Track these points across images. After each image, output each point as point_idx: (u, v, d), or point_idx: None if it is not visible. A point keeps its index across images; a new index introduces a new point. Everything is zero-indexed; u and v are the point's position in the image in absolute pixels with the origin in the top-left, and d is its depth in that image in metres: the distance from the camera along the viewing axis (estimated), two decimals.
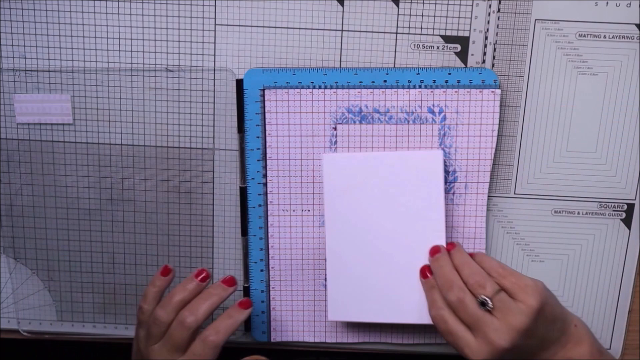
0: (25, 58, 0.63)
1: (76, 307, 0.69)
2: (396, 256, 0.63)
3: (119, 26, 0.62)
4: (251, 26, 0.62)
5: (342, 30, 0.62)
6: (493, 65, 0.63)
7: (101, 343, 0.70)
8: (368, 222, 0.63)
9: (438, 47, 0.63)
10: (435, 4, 0.62)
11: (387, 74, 0.62)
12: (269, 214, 0.65)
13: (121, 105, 0.64)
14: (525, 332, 0.55)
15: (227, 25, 0.62)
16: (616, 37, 0.62)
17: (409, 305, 0.62)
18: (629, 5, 0.61)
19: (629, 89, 0.63)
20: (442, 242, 0.62)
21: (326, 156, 0.63)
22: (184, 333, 0.57)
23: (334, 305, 0.64)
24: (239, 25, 0.62)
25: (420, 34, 0.62)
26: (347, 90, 0.62)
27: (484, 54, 0.63)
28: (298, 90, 0.62)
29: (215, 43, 0.63)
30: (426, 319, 0.61)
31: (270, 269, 0.66)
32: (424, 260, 0.62)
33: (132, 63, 0.63)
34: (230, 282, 0.60)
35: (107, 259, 0.67)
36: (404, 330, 0.67)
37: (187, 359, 0.57)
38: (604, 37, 0.62)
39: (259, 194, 0.65)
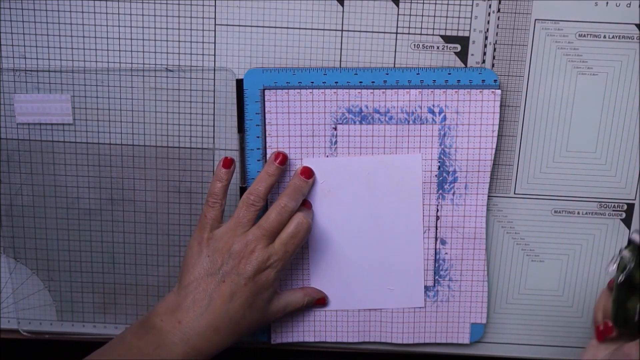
0: (25, 58, 0.63)
1: (76, 307, 0.69)
2: (374, 252, 0.65)
3: (119, 26, 0.62)
4: (251, 26, 0.62)
5: (342, 30, 0.62)
6: (493, 65, 0.63)
7: (101, 343, 0.70)
8: (349, 220, 0.64)
9: (438, 47, 0.63)
10: (435, 4, 0.62)
11: (387, 74, 0.62)
12: None
13: (121, 105, 0.64)
14: None
15: (227, 25, 0.62)
16: (616, 37, 0.62)
17: (387, 294, 0.66)
18: (629, 5, 0.61)
19: (629, 89, 0.63)
20: (420, 240, 0.65)
21: (306, 161, 0.63)
22: (285, 217, 0.60)
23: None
24: (239, 25, 0.62)
25: (420, 34, 0.62)
26: (347, 90, 0.62)
27: (484, 54, 0.63)
28: (298, 90, 0.62)
29: (215, 43, 0.63)
30: (403, 304, 0.66)
31: None
32: (400, 255, 0.65)
33: (132, 63, 0.63)
34: (308, 172, 0.63)
35: (107, 259, 0.67)
36: (404, 330, 0.67)
37: (281, 241, 0.60)
38: (604, 37, 0.62)
39: None
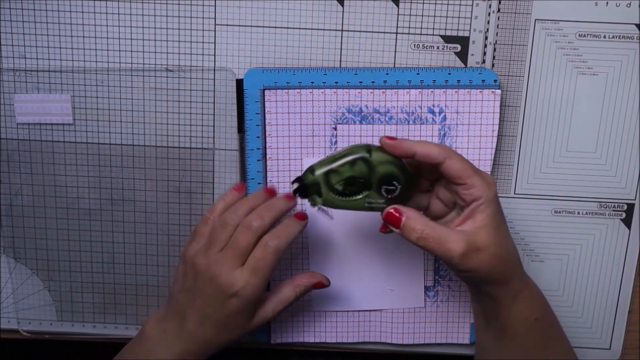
0: (25, 58, 0.63)
1: (76, 307, 0.69)
2: (374, 252, 0.65)
3: (119, 26, 0.62)
4: (251, 26, 0.62)
5: (342, 30, 0.62)
6: (493, 65, 0.63)
7: (101, 343, 0.70)
8: (348, 221, 0.64)
9: (438, 47, 0.63)
10: (435, 4, 0.62)
11: (387, 74, 0.62)
12: None
13: (121, 105, 0.64)
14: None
15: (227, 25, 0.62)
16: (616, 37, 0.62)
17: (387, 295, 0.66)
18: (629, 5, 0.61)
19: (629, 89, 0.63)
20: None
21: (306, 160, 0.63)
22: (249, 236, 0.56)
23: (317, 297, 0.67)
24: (239, 25, 0.62)
25: (420, 34, 0.62)
26: (347, 90, 0.62)
27: (484, 54, 0.63)
28: (298, 90, 0.62)
29: (215, 43, 0.63)
30: (403, 304, 0.66)
31: None
32: (400, 255, 0.65)
33: (132, 63, 0.63)
34: (290, 197, 0.58)
35: (107, 259, 0.67)
36: (404, 330, 0.67)
37: (248, 267, 0.56)
38: (604, 37, 0.62)
39: None
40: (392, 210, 0.53)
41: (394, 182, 0.54)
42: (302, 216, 0.58)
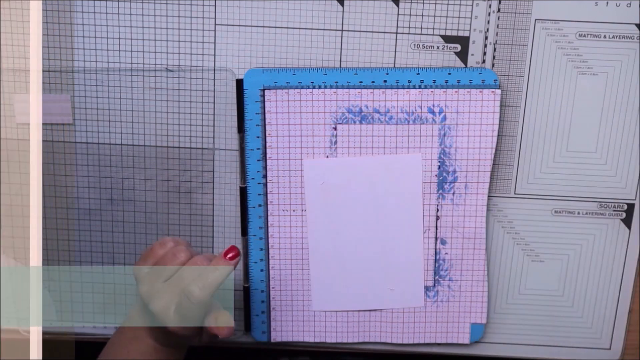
0: (25, 58, 0.63)
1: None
2: (375, 252, 0.65)
3: (119, 26, 0.62)
4: (251, 26, 0.62)
5: (342, 30, 0.62)
6: (493, 65, 0.63)
7: (101, 343, 0.70)
8: (349, 221, 0.64)
9: (438, 47, 0.63)
10: (435, 4, 0.62)
11: (387, 74, 0.62)
12: (269, 214, 0.65)
13: (121, 105, 0.64)
14: None
15: (227, 25, 0.62)
16: (616, 37, 0.62)
17: (387, 294, 0.66)
18: (629, 5, 0.61)
19: (629, 89, 0.63)
20: (419, 240, 0.65)
21: (306, 162, 0.63)
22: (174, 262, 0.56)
23: (317, 296, 0.66)
24: (239, 25, 0.62)
25: (420, 34, 0.62)
26: (347, 90, 0.62)
27: (484, 54, 0.63)
28: (298, 90, 0.62)
29: (215, 43, 0.63)
30: (403, 304, 0.67)
31: (270, 269, 0.66)
32: (400, 255, 0.65)
33: (132, 63, 0.63)
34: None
35: (107, 259, 0.67)
36: (403, 330, 0.67)
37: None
38: (604, 37, 0.62)
39: (259, 194, 0.65)
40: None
41: None
42: (232, 255, 0.55)
